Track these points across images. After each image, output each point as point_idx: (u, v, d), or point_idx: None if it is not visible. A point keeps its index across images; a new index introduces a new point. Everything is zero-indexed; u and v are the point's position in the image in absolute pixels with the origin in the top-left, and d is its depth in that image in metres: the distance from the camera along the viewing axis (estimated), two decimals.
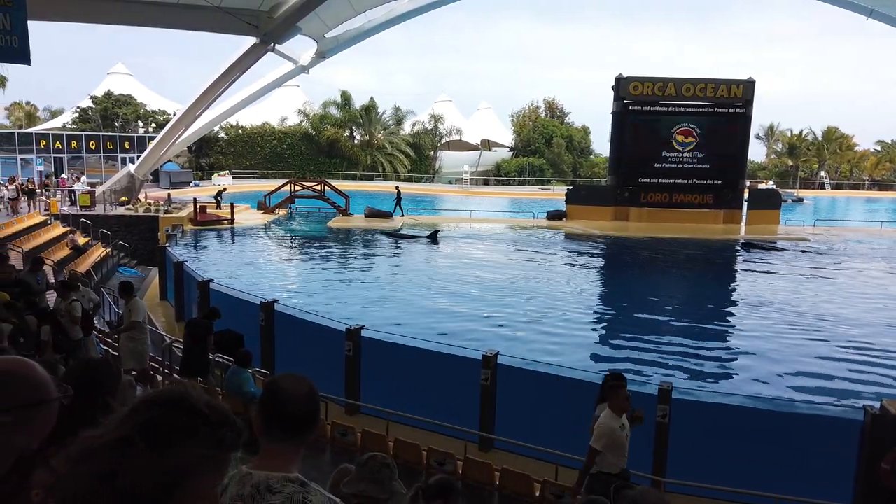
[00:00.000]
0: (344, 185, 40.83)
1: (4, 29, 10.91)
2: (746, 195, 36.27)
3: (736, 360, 14.11)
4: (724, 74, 38.81)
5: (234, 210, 31.04)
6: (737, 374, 13.11)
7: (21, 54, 11.28)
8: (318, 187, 35.88)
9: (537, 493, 7.50)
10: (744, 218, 35.17)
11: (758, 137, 71.37)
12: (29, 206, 25.99)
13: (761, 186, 51.70)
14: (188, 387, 1.08)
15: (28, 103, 63.95)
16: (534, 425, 9.60)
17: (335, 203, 35.18)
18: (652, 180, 34.88)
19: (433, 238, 27.91)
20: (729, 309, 19.23)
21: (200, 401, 1.05)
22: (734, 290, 21.92)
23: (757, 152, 73.12)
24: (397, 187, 38.47)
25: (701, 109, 34.35)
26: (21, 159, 40.48)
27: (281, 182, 37.53)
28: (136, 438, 0.98)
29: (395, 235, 28.66)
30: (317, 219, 34.15)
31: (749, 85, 34.19)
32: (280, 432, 1.92)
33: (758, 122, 64.01)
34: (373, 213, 33.76)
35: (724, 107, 34.24)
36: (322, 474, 4.13)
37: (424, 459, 8.11)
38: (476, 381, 9.69)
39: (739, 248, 29.44)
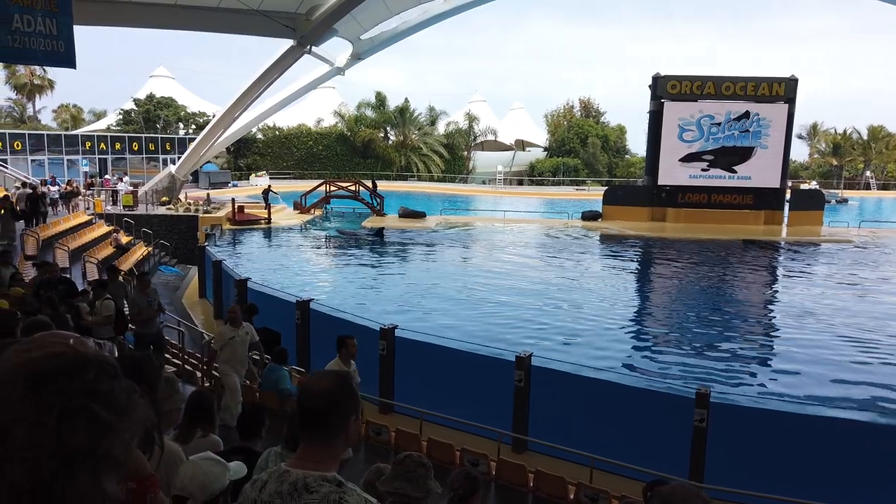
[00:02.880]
0: (378, 184, 41.06)
1: (51, 34, 11.24)
2: (788, 196, 35.39)
3: (779, 364, 13.76)
4: (762, 73, 37.86)
5: (271, 210, 31.49)
6: (779, 379, 12.79)
7: (67, 58, 11.61)
8: (353, 188, 36.22)
9: (571, 496, 7.43)
10: (785, 219, 34.34)
11: (800, 137, 69.55)
12: (68, 208, 26.64)
13: (804, 187, 50.39)
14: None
15: (74, 106, 65.98)
16: (568, 427, 9.51)
17: (369, 203, 35.44)
18: (690, 180, 34.31)
19: (379, 235, 28.33)
20: (770, 312, 18.79)
21: (88, 353, 1.00)
22: (776, 292, 21.42)
23: (799, 152, 71.27)
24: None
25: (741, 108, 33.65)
26: (67, 160, 41.74)
27: (317, 182, 37.97)
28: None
29: (344, 233, 29.31)
30: (351, 218, 34.45)
31: (791, 83, 33.34)
32: (303, 428, 1.93)
33: (799, 122, 62.48)
34: (407, 214, 33.89)
35: (766, 105, 33.47)
36: (356, 472, 4.15)
37: (458, 459, 8.10)
38: (510, 383, 9.65)
39: (780, 250, 28.73)
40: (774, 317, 18.21)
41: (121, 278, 12.89)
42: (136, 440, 0.98)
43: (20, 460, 0.85)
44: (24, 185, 23.86)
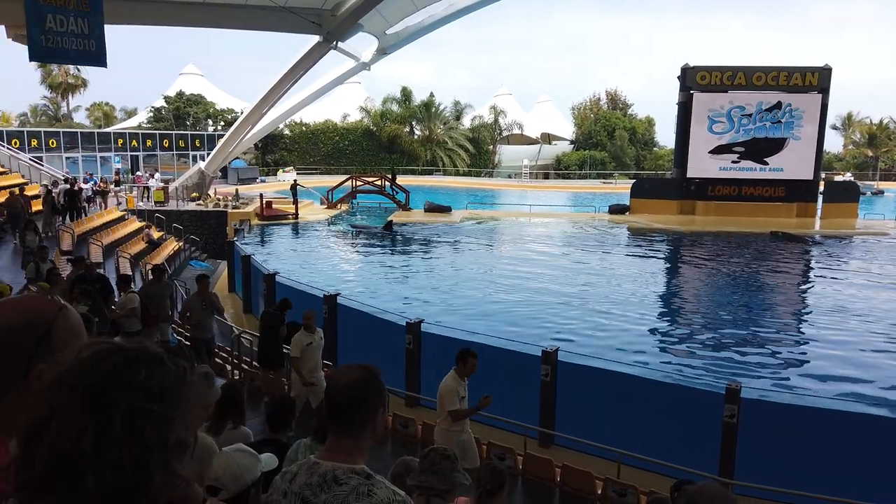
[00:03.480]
0: (403, 179, 41.18)
1: (82, 33, 11.47)
2: (822, 188, 34.64)
3: (811, 359, 13.51)
4: (795, 62, 37.02)
5: (299, 205, 31.79)
6: (810, 374, 12.55)
7: (98, 57, 11.83)
8: (379, 182, 36.37)
9: (599, 491, 7.40)
10: (818, 211, 33.61)
11: (834, 127, 67.99)
12: (105, 203, 27.21)
13: (838, 178, 49.22)
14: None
15: (106, 104, 67.26)
16: (595, 422, 9.46)
17: (395, 198, 35.56)
18: (720, 173, 33.76)
19: (388, 228, 28.40)
20: (802, 307, 18.45)
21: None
22: (808, 286, 20.99)
23: (833, 143, 69.61)
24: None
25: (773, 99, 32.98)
26: (100, 157, 42.63)
27: (343, 177, 38.22)
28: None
29: (357, 227, 29.57)
30: (377, 213, 34.62)
31: (825, 72, 32.56)
32: (331, 421, 1.94)
33: (833, 112, 60.99)
34: (432, 208, 33.94)
35: (799, 95, 32.76)
36: (384, 465, 4.18)
37: (484, 453, 8.11)
38: (536, 377, 9.63)
39: (812, 242, 28.13)
40: (806, 311, 17.86)
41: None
42: (199, 418, 1.03)
43: (96, 468, 0.88)
44: (64, 180, 24.68)
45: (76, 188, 22.44)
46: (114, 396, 0.92)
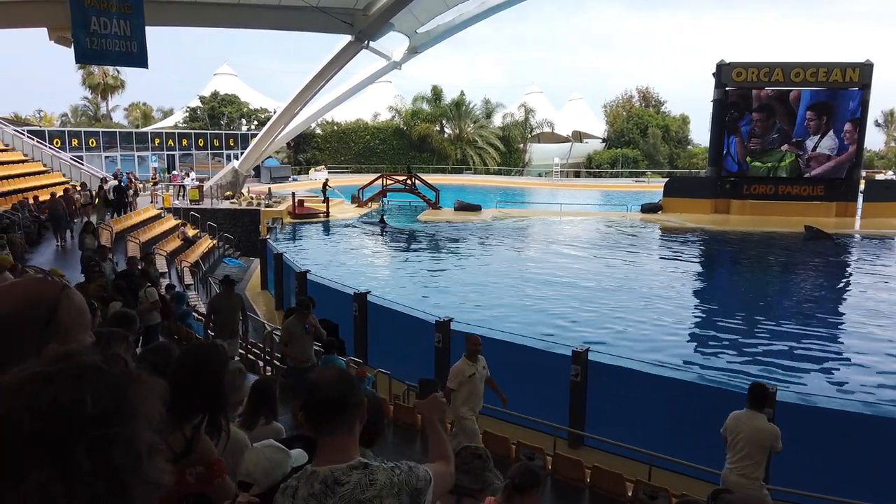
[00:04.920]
0: (433, 178, 41.26)
1: (125, 35, 11.75)
2: (862, 186, 33.69)
3: (848, 363, 13.17)
4: (834, 58, 36.04)
5: (330, 203, 32.09)
6: (848, 378, 12.24)
7: (139, 59, 12.12)
8: (409, 181, 36.49)
9: (630, 493, 7.32)
10: (859, 211, 32.70)
11: (876, 124, 66.16)
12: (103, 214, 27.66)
13: (879, 177, 47.87)
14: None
15: (144, 104, 68.80)
16: (626, 423, 9.37)
17: (425, 196, 35.65)
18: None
19: (382, 223, 29.85)
20: (840, 309, 17.98)
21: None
22: (846, 287, 20.46)
23: (875, 140, 67.74)
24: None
25: None
26: (138, 156, 43.59)
27: (374, 176, 38.44)
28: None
29: (367, 223, 31.01)
30: (407, 212, 34.74)
31: (866, 68, 31.65)
32: (323, 422, 1.95)
33: (876, 108, 59.23)
34: (462, 207, 33.94)
35: (839, 92, 31.92)
36: (387, 456, 4.20)
37: (513, 453, 8.09)
38: (566, 377, 9.57)
39: (854, 243, 27.41)
40: (843, 313, 17.41)
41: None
42: (158, 416, 0.93)
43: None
44: (114, 176, 26.66)
45: (124, 184, 23.96)
46: (67, 436, 0.82)
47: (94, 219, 20.29)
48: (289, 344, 8.85)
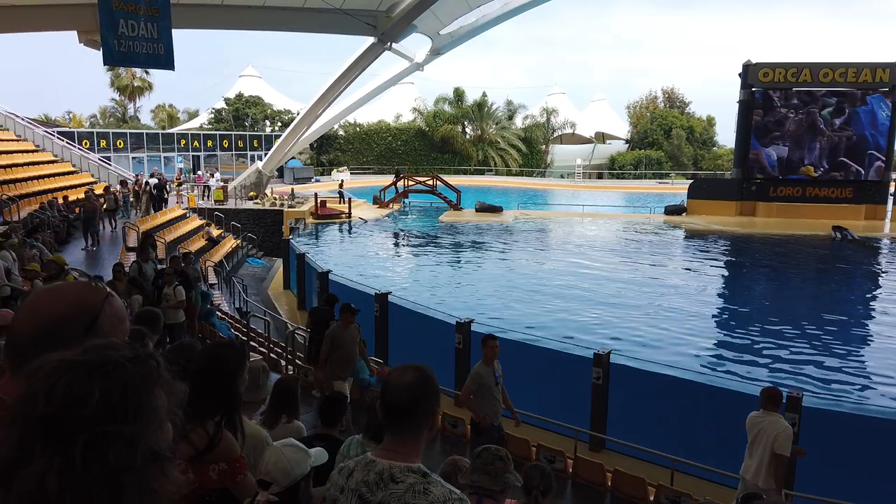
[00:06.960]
0: (455, 179, 41.25)
1: (152, 37, 11.93)
2: (893, 189, 32.99)
3: (875, 369, 12.90)
4: (862, 58, 35.35)
5: (352, 204, 32.26)
6: (874, 385, 11.98)
7: (166, 61, 12.29)
8: (430, 182, 36.53)
9: (651, 498, 7.25)
10: (888, 213, 32.02)
11: None
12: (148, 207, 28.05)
13: None
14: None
15: (170, 106, 69.79)
16: (648, 427, 9.27)
17: (447, 197, 35.65)
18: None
19: (359, 221, 30.66)
20: (867, 314, 17.63)
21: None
22: (874, 293, 20.05)
23: None
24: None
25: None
26: (164, 157, 44.24)
27: (393, 177, 38.49)
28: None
29: (367, 221, 31.23)
30: (429, 213, 34.78)
31: None
32: (389, 422, 1.97)
33: None
34: (483, 208, 33.90)
35: (868, 92, 31.31)
36: (433, 464, 4.20)
37: (534, 455, 8.06)
38: (588, 379, 9.50)
39: (883, 247, 26.84)
40: (871, 318, 17.06)
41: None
42: (173, 419, 0.93)
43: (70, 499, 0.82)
44: (151, 175, 28.40)
45: (162, 182, 25.98)
46: (71, 427, 0.84)
47: (134, 214, 22.72)
48: (332, 352, 8.39)
